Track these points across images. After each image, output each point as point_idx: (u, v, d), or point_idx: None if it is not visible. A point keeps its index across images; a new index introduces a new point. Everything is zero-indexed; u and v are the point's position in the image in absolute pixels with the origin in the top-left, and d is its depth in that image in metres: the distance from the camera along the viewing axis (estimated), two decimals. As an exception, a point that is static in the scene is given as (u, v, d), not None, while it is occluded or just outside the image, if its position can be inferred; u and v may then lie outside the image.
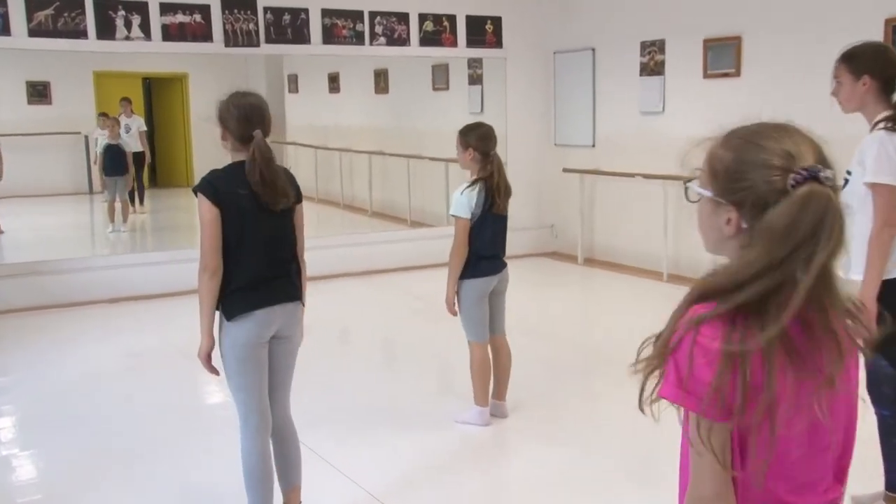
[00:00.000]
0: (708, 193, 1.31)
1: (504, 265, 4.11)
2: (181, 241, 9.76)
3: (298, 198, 2.90)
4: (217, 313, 2.80)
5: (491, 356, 4.13)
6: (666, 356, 1.24)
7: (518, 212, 8.90)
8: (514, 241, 8.65)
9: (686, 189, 1.36)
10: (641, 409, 1.26)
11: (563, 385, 4.79)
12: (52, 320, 6.43)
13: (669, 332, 1.25)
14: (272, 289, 2.80)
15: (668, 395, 1.22)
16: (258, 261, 2.77)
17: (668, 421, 1.33)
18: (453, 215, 3.96)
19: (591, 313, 6.93)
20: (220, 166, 2.81)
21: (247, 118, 2.74)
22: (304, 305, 2.95)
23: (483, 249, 3.98)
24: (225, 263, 2.73)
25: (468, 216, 3.92)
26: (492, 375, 4.14)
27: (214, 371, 2.79)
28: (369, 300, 7.19)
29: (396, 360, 5.67)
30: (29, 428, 4.26)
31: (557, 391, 4.67)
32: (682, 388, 1.21)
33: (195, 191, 2.71)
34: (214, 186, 2.70)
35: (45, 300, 6.74)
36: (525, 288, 7.81)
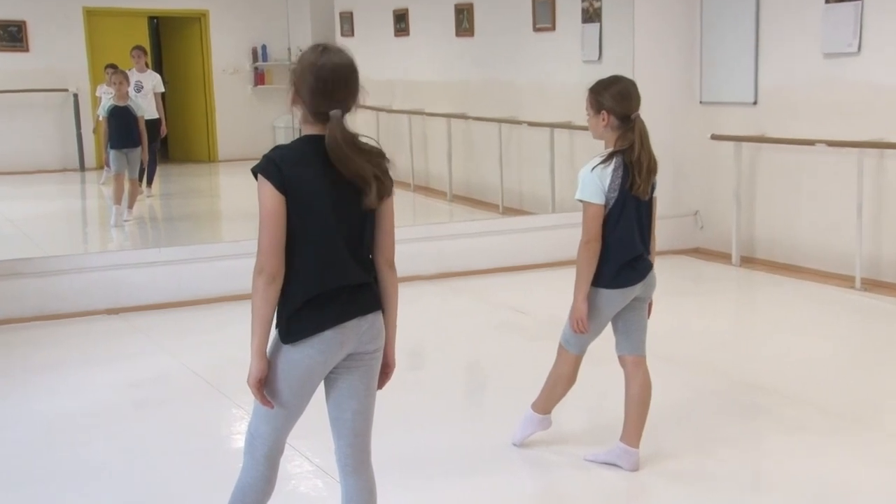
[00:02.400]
0: None
1: (650, 266, 4.15)
2: (202, 234, 10.00)
3: (388, 189, 2.92)
4: (273, 331, 2.87)
5: (625, 382, 4.19)
6: None
7: None
8: (645, 235, 8.70)
9: None
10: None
11: (715, 430, 4.74)
12: (33, 337, 6.65)
13: None
14: (347, 301, 2.87)
15: None
16: (331, 265, 2.83)
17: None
18: (580, 200, 3.98)
19: (751, 333, 6.85)
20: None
21: (324, 92, 2.77)
22: (391, 316, 3.02)
23: (620, 248, 4.00)
24: (286, 267, 2.79)
25: (601, 201, 3.94)
26: (628, 412, 4.20)
27: (269, 403, 2.86)
28: (447, 312, 7.25)
29: (484, 391, 5.71)
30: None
31: (707, 438, 4.64)
32: None
33: (255, 172, 2.77)
34: (279, 167, 2.75)
35: (23, 310, 6.98)
36: (660, 297, 7.72)
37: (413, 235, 8.13)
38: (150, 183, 11.30)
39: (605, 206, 3.96)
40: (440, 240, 8.30)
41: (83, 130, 12.39)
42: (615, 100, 3.97)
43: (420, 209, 11.11)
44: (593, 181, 3.95)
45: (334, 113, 2.77)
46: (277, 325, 2.87)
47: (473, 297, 7.64)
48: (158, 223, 10.93)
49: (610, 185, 3.95)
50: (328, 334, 2.84)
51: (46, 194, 12.07)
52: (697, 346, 6.18)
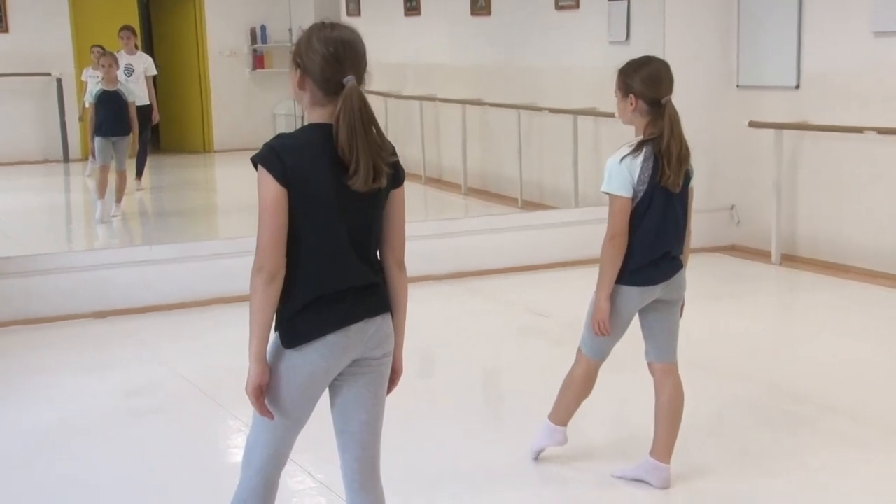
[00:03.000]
0: None
1: (678, 267, 4.14)
2: (196, 230, 10.02)
3: (398, 179, 2.95)
4: (273, 334, 2.88)
5: (655, 391, 4.19)
6: None
7: None
8: (678, 231, 8.68)
9: None
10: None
11: (754, 444, 4.74)
12: (12, 343, 6.67)
13: None
14: (352, 303, 2.88)
15: None
16: (336, 265, 2.85)
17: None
18: (606, 192, 3.98)
19: (793, 338, 6.83)
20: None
21: (336, 58, 2.80)
22: (400, 319, 3.04)
23: (644, 244, 4.00)
24: (287, 265, 2.81)
25: (628, 194, 3.94)
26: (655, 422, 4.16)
27: (269, 414, 2.87)
28: (462, 314, 7.26)
29: (501, 400, 5.72)
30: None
31: (745, 453, 4.63)
32: None
33: (255, 161, 2.79)
34: (281, 157, 2.77)
35: (2, 314, 6.99)
36: (694, 299, 7.69)
37: (425, 232, 8.12)
38: (139, 175, 11.29)
39: (633, 199, 3.96)
40: (454, 236, 8.30)
41: (67, 118, 12.37)
42: (645, 83, 3.97)
43: (432, 203, 11.12)
44: (621, 172, 3.95)
45: (350, 79, 2.80)
46: (277, 328, 2.88)
47: (490, 298, 7.65)
48: (149, 218, 10.96)
49: (639, 177, 3.94)
50: (331, 338, 2.85)
51: (27, 188, 12.05)
52: (734, 353, 6.16)
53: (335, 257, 2.84)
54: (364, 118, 2.80)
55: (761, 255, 8.59)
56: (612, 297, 4.05)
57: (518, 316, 7.17)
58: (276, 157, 2.77)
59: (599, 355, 4.21)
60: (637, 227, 3.99)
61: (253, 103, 13.43)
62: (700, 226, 8.90)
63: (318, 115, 2.85)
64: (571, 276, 7.97)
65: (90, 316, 7.12)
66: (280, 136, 2.87)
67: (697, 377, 5.15)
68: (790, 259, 8.41)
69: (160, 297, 7.31)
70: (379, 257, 2.99)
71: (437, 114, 11.93)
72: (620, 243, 3.98)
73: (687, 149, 4.02)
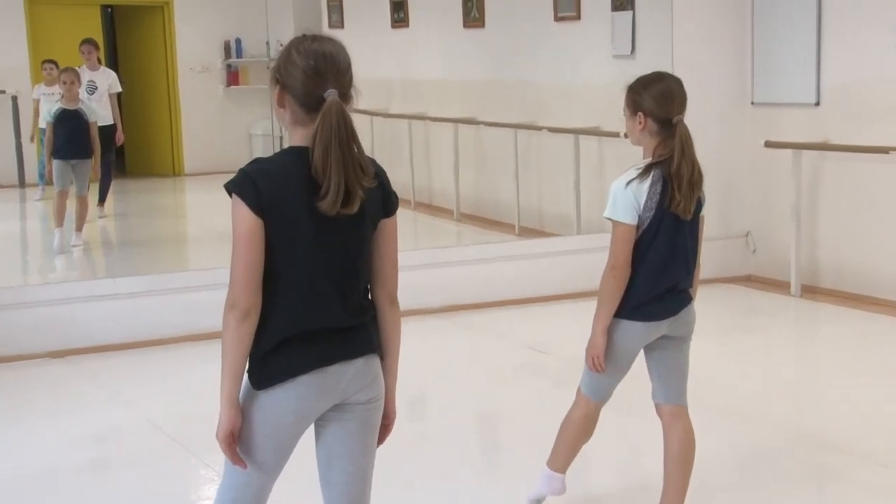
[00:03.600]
0: None
1: (687, 301, 4.13)
2: (164, 262, 9.99)
3: (389, 208, 2.97)
4: (245, 374, 2.87)
5: (664, 437, 4.17)
6: None
7: None
8: (689, 260, 8.67)
9: None
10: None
11: (776, 498, 4.71)
12: (-33, 384, 6.63)
13: None
14: (329, 342, 2.88)
15: None
16: (315, 304, 2.85)
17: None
18: (609, 218, 3.97)
19: (816, 377, 6.83)
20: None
21: (317, 71, 2.83)
22: (392, 360, 3.06)
23: (650, 276, 3.99)
24: (266, 303, 2.81)
25: (633, 221, 3.93)
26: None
27: (241, 462, 2.85)
28: (455, 352, 7.26)
29: (499, 446, 5.69)
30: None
31: None
32: None
33: (228, 189, 2.80)
34: (256, 184, 2.77)
35: (-43, 353, 6.96)
36: (707, 335, 7.69)
37: (414, 262, 8.10)
38: (102, 201, 11.19)
39: (639, 227, 3.95)
40: (446, 267, 8.30)
41: (23, 139, 12.37)
42: (655, 101, 3.97)
43: (423, 230, 11.12)
44: (626, 198, 3.93)
45: (331, 93, 2.82)
46: (249, 369, 2.86)
47: (485, 333, 7.64)
48: (113, 248, 10.93)
49: (646, 203, 3.93)
50: (304, 380, 2.84)
51: (-21, 215, 12.09)
52: (751, 394, 6.15)
53: (313, 294, 2.84)
54: (342, 135, 2.80)
55: (779, 286, 8.58)
56: (613, 333, 4.03)
57: (515, 353, 7.16)
58: (251, 183, 2.77)
59: (600, 396, 4.19)
60: (643, 257, 3.97)
61: (227, 123, 13.44)
62: (713, 254, 8.93)
63: (299, 137, 2.86)
64: (573, 310, 7.95)
65: (47, 356, 7.08)
66: (256, 161, 2.87)
67: (711, 421, 5.14)
68: (811, 290, 8.41)
69: (125, 334, 7.28)
70: (369, 294, 2.98)
71: (427, 134, 11.95)
72: (622, 275, 3.97)
73: (699, 172, 4.02)
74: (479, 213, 11.09)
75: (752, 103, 8.84)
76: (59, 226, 9.69)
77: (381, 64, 12.43)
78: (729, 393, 6.04)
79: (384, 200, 2.95)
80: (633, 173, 3.98)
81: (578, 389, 4.24)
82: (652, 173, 3.95)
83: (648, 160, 4.00)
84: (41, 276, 9.77)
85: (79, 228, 9.78)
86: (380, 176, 2.94)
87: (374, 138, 12.16)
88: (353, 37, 12.77)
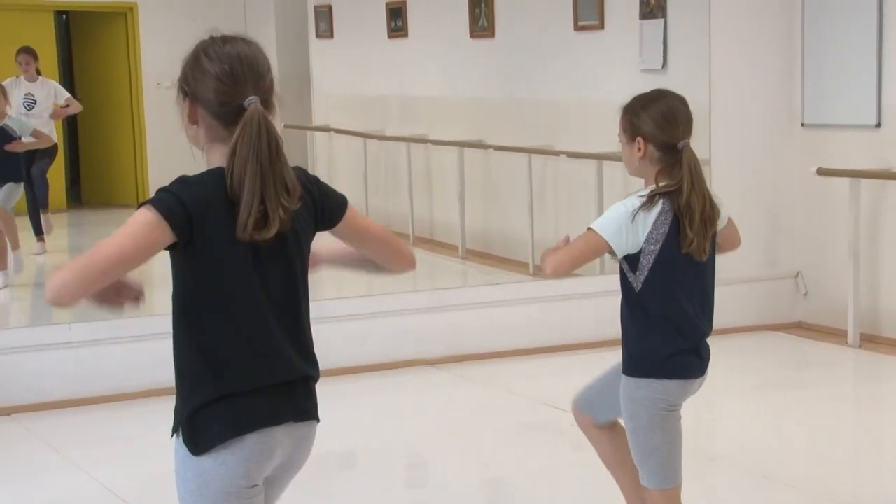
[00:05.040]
0: None
1: (708, 359, 4.12)
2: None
3: (332, 214, 2.97)
4: (174, 438, 2.88)
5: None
6: None
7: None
8: (725, 304, 8.53)
9: None
10: None
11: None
12: None
13: None
14: (277, 396, 2.88)
15: None
16: (257, 354, 2.85)
17: None
18: (590, 228, 3.96)
19: (878, 440, 6.81)
20: (195, 168, 2.85)
21: (233, 77, 2.81)
22: (318, 421, 3.05)
23: (674, 325, 3.99)
24: (190, 352, 2.82)
25: (612, 244, 3.90)
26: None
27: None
28: (460, 408, 7.24)
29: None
30: None
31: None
32: None
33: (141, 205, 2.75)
34: (181, 199, 2.73)
35: None
36: (751, 390, 7.57)
37: (414, 305, 8.12)
38: (38, 232, 10.89)
39: (637, 260, 3.94)
40: (450, 310, 8.30)
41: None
42: (656, 123, 3.97)
43: (423, 269, 11.07)
44: (624, 225, 3.90)
45: (252, 100, 2.78)
46: (179, 430, 2.86)
47: (495, 387, 7.63)
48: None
49: (649, 234, 3.91)
50: (252, 439, 2.83)
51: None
52: (802, 459, 6.13)
53: (254, 342, 2.83)
54: (264, 148, 2.75)
55: (835, 335, 8.55)
56: (638, 398, 4.03)
57: (528, 410, 7.14)
58: (172, 198, 2.73)
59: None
60: (655, 297, 3.96)
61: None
62: (758, 298, 8.96)
63: (219, 156, 2.83)
64: (595, 361, 7.88)
65: (-9, 413, 7.08)
66: (184, 182, 2.81)
67: (755, 489, 5.13)
68: (871, 340, 8.39)
69: (79, 388, 7.26)
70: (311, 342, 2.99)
71: (428, 159, 11.97)
72: (565, 261, 3.99)
73: (713, 205, 4.01)
74: (488, 249, 11.10)
75: (803, 125, 8.84)
76: (3, 268, 9.69)
77: (376, 79, 12.48)
78: (776, 458, 6.02)
79: (321, 212, 2.94)
80: (638, 201, 3.94)
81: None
82: (660, 203, 3.93)
83: (651, 188, 3.98)
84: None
85: (3, 267, 9.67)
86: (310, 188, 2.91)
87: (367, 163, 12.20)
88: (343, 47, 12.89)
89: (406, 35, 12.22)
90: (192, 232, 2.72)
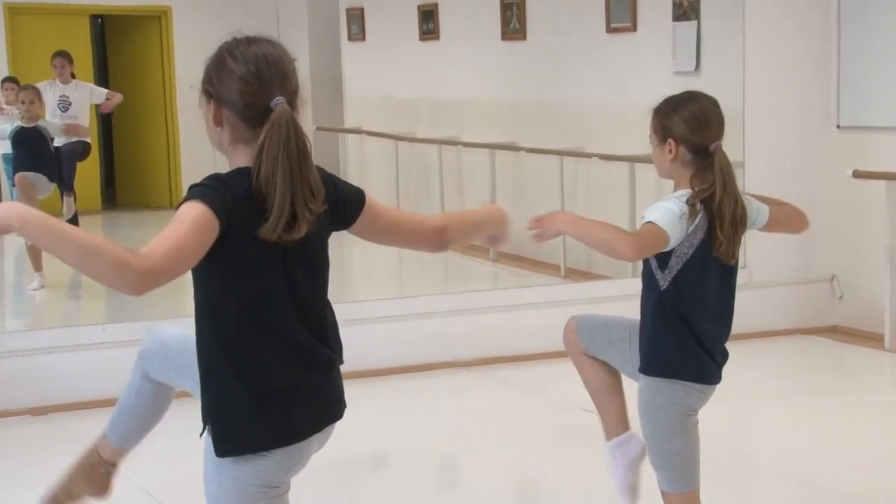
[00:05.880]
0: None
1: (723, 365, 4.11)
2: (160, 306, 9.98)
3: (353, 208, 3.00)
4: (205, 436, 2.92)
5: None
6: None
7: (763, 254, 8.55)
8: (760, 308, 8.57)
9: None
10: None
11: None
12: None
13: None
14: (311, 399, 2.92)
15: None
16: (286, 344, 2.87)
17: None
18: (648, 221, 3.92)
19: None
20: (227, 170, 2.86)
21: (259, 78, 2.81)
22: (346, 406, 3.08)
23: (697, 330, 3.98)
24: (218, 353, 2.84)
25: (667, 231, 3.86)
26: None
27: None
28: (491, 412, 7.22)
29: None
30: None
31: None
32: None
33: (186, 198, 2.76)
34: (222, 195, 2.73)
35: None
36: (785, 396, 7.52)
37: (445, 308, 8.12)
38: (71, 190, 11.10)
39: (667, 259, 3.93)
40: (481, 313, 8.29)
41: (5, 167, 12.47)
42: (687, 125, 3.96)
43: (454, 272, 11.10)
44: (674, 220, 3.87)
45: (279, 101, 2.78)
46: (212, 433, 2.89)
47: (527, 391, 7.63)
48: (100, 291, 10.95)
49: (686, 238, 3.91)
50: (286, 450, 2.88)
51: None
52: (840, 465, 6.07)
53: (282, 342, 2.85)
54: (293, 149, 2.76)
55: (871, 339, 8.50)
56: (658, 400, 4.04)
57: (560, 413, 7.12)
58: (214, 192, 2.72)
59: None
60: (682, 298, 3.95)
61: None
62: (793, 302, 8.92)
63: (244, 157, 2.83)
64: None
65: (26, 413, 7.11)
66: (217, 178, 2.81)
67: (795, 495, 5.09)
68: (910, 345, 8.37)
69: (114, 389, 7.16)
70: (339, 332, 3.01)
71: (459, 161, 11.98)
72: (629, 249, 3.90)
73: (743, 209, 3.99)
74: (519, 251, 11.06)
75: (838, 127, 8.80)
76: (37, 266, 9.75)
77: (407, 81, 12.48)
78: (811, 463, 5.99)
79: (341, 212, 2.96)
80: (686, 207, 3.90)
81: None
82: (701, 211, 3.90)
83: (687, 191, 3.95)
84: (19, 322, 9.80)
85: (37, 269, 9.75)
86: (331, 189, 2.91)
87: (398, 166, 12.21)
88: (375, 50, 12.90)
89: (438, 38, 12.23)
90: (229, 227, 2.73)
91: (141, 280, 2.59)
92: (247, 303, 2.81)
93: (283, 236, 2.74)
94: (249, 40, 2.87)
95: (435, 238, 3.16)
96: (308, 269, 2.88)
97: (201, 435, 2.92)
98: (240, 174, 2.81)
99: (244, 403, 2.83)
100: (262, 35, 2.92)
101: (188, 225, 2.66)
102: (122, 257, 2.56)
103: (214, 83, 2.84)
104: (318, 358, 2.92)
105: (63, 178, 10.90)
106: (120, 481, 5.93)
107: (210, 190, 2.73)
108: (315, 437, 2.93)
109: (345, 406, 3.01)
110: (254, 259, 2.79)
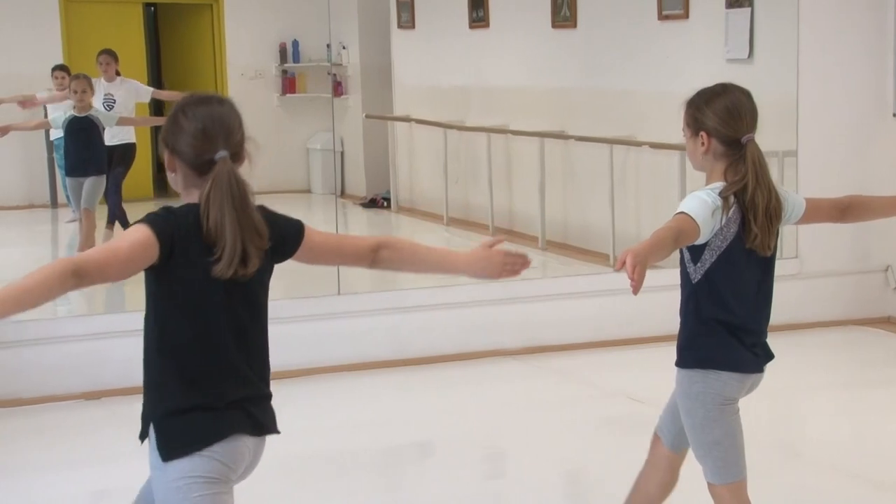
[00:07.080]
0: None
1: (769, 355, 4.09)
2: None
3: (292, 243, 3.27)
4: (148, 441, 3.15)
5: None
6: None
7: (817, 244, 8.45)
8: (812, 299, 8.51)
9: None
10: None
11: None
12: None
13: None
14: (240, 410, 3.14)
15: None
16: (222, 364, 3.11)
17: None
18: (680, 211, 3.88)
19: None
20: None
21: (205, 134, 3.10)
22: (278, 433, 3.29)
23: (731, 323, 3.97)
24: (164, 367, 3.11)
25: (703, 231, 3.83)
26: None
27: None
28: (537, 400, 7.23)
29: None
30: None
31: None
32: None
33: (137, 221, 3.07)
34: (167, 221, 3.04)
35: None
36: (839, 388, 7.47)
37: (491, 296, 8.10)
38: (111, 222, 11.01)
39: (700, 252, 3.91)
40: (529, 302, 8.27)
41: (52, 154, 12.53)
42: (720, 118, 3.95)
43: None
44: (707, 212, 3.83)
45: (221, 155, 3.07)
46: (156, 439, 3.13)
47: (573, 380, 7.63)
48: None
49: (719, 231, 3.89)
50: (222, 446, 3.09)
51: (7, 239, 12.14)
52: (893, 459, 6.01)
53: (219, 362, 3.11)
54: (236, 197, 3.05)
55: (925, 331, 8.48)
56: (697, 391, 4.04)
57: (608, 403, 7.13)
58: (161, 220, 3.05)
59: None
60: (718, 294, 3.94)
61: (282, 135, 13.49)
62: (845, 292, 8.84)
63: (196, 199, 3.11)
64: (672, 354, 7.87)
65: (80, 397, 7.17)
66: (169, 209, 3.12)
67: (846, 489, 5.06)
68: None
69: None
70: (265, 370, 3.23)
71: (508, 149, 11.96)
72: (667, 238, 3.78)
73: (777, 200, 3.97)
74: (568, 240, 11.06)
75: (895, 115, 8.75)
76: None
77: (456, 69, 12.47)
78: (863, 456, 5.95)
79: (280, 244, 3.21)
80: (719, 200, 3.88)
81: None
82: (734, 205, 3.89)
83: (721, 184, 3.94)
84: (75, 308, 9.86)
85: (81, 249, 9.79)
86: (273, 227, 3.17)
87: (447, 154, 12.21)
88: (425, 38, 12.90)
89: (487, 25, 12.21)
90: (172, 251, 3.03)
91: (78, 281, 3.00)
92: (190, 324, 3.10)
93: (238, 271, 3.03)
94: (201, 100, 3.18)
95: (370, 255, 3.41)
96: (248, 299, 3.15)
97: (141, 441, 3.20)
98: (188, 207, 3.11)
99: (182, 409, 3.09)
100: (214, 95, 3.26)
101: (127, 242, 3.02)
102: (62, 270, 2.97)
103: (169, 137, 3.14)
104: (247, 378, 3.16)
105: (108, 206, 10.97)
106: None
107: (158, 217, 3.07)
108: (248, 440, 3.13)
109: (273, 423, 3.23)
110: (199, 287, 3.06)
